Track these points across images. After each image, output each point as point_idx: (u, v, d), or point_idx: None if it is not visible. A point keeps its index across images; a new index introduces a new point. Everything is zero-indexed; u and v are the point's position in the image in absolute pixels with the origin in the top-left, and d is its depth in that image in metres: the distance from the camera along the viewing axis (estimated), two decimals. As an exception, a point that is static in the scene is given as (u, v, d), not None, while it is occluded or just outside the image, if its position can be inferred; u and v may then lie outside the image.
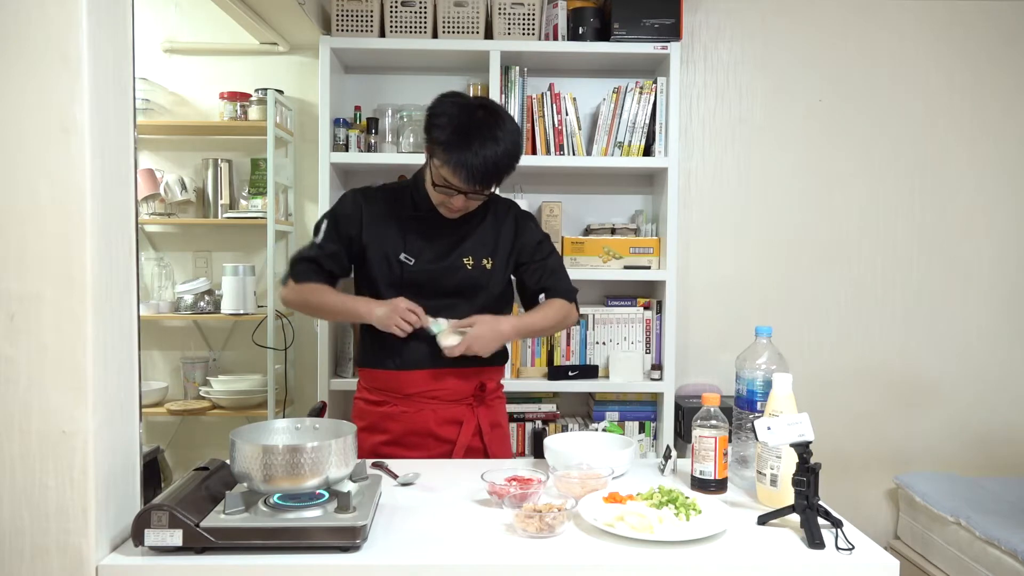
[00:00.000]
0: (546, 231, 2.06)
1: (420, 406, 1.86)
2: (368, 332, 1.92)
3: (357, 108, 2.87)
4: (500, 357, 1.94)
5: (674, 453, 1.65)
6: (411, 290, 1.83)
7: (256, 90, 2.91)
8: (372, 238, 1.86)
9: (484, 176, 1.70)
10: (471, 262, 1.86)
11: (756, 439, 1.37)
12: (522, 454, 2.83)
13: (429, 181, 1.79)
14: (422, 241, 1.86)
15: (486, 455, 1.88)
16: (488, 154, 1.68)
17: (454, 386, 1.86)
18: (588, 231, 2.93)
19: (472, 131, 1.69)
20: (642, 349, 2.90)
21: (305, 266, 1.88)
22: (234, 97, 2.91)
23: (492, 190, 1.79)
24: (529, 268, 1.93)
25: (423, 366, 1.85)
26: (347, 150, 2.78)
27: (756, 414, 1.51)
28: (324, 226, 1.89)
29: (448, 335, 1.78)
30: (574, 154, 2.81)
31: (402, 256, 1.84)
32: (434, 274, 1.83)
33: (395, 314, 1.76)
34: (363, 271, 1.90)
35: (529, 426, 2.87)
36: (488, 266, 1.87)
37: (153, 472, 2.74)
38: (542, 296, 1.92)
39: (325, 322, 2.75)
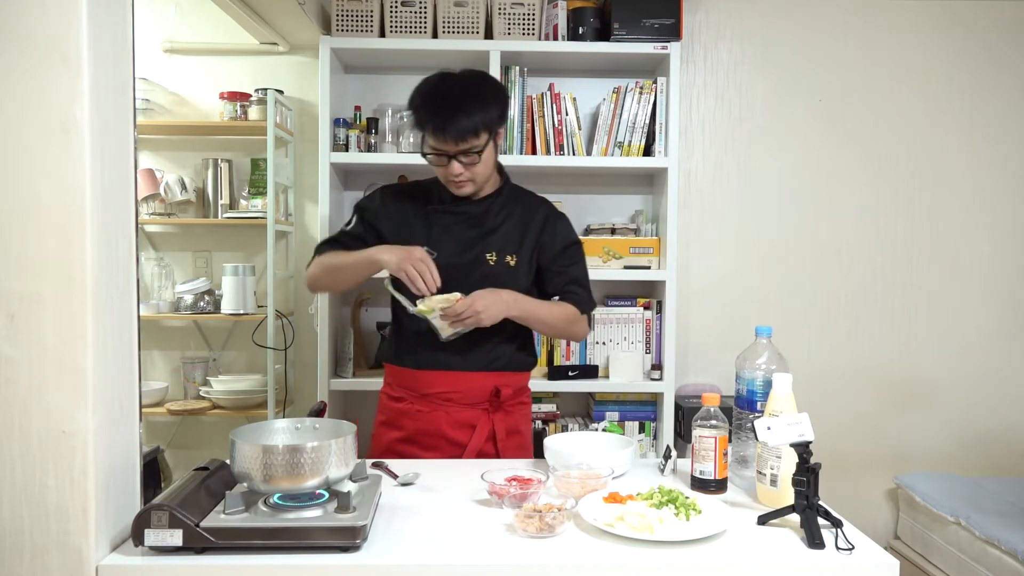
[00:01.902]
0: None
1: (435, 407, 1.86)
2: (394, 327, 1.93)
3: (357, 108, 2.87)
4: (524, 362, 1.93)
5: (674, 453, 1.65)
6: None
7: (256, 90, 2.91)
8: (396, 233, 1.87)
9: (458, 129, 1.70)
10: (494, 258, 1.84)
11: (756, 439, 1.37)
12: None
13: (423, 156, 1.82)
14: (446, 235, 1.85)
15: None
16: (459, 106, 1.70)
17: (469, 389, 1.85)
18: (588, 231, 2.93)
19: (442, 90, 1.74)
20: (642, 349, 2.90)
21: (328, 245, 1.92)
22: (234, 97, 2.91)
23: (481, 149, 1.75)
24: (550, 272, 1.90)
25: (440, 367, 1.84)
26: (347, 150, 2.78)
27: (756, 414, 1.51)
28: (353, 218, 1.93)
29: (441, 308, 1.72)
30: (574, 154, 2.81)
31: (425, 249, 1.82)
32: (456, 268, 1.82)
33: (408, 261, 1.72)
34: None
35: (529, 426, 2.87)
36: (512, 263, 1.85)
37: (153, 472, 2.74)
38: (555, 299, 1.89)
39: (325, 322, 2.75)
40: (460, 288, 1.77)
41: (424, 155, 1.80)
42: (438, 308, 1.72)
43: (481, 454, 1.85)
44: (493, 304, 1.74)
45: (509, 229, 1.88)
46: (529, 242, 1.88)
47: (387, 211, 1.90)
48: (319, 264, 1.89)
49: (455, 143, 1.72)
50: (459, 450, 1.85)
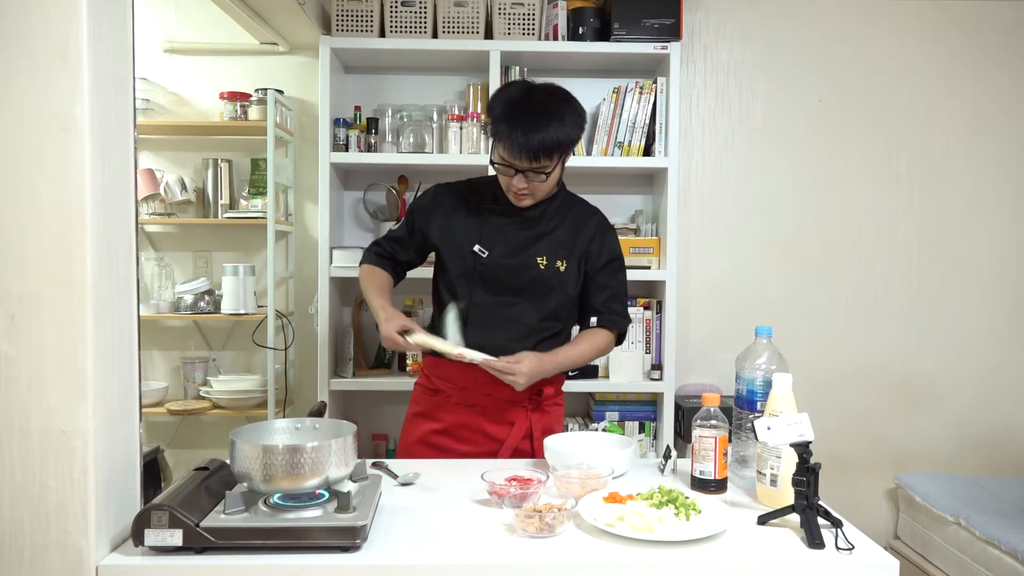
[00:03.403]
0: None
1: (475, 401, 1.86)
2: (435, 319, 1.94)
3: (357, 108, 2.87)
4: None
5: (674, 453, 1.65)
6: (481, 283, 1.83)
7: (256, 90, 2.91)
8: (446, 232, 1.88)
9: (531, 148, 1.68)
10: (544, 262, 1.84)
11: (756, 439, 1.37)
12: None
13: (491, 164, 1.79)
14: (498, 235, 1.85)
15: (532, 458, 1.86)
16: (539, 127, 1.68)
17: (511, 387, 1.84)
18: (588, 231, 2.93)
19: (525, 105, 1.71)
20: (642, 349, 2.90)
21: (373, 249, 1.98)
22: (234, 97, 2.91)
23: (551, 170, 1.75)
24: (594, 284, 1.90)
25: None
26: (347, 150, 2.78)
27: (756, 414, 1.51)
28: (405, 216, 1.97)
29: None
30: (574, 154, 2.80)
31: (476, 248, 1.83)
32: (505, 269, 1.83)
33: (386, 342, 1.76)
34: (439, 263, 1.93)
35: (529, 426, 2.87)
36: (561, 268, 1.85)
37: (153, 472, 2.74)
38: (594, 320, 1.89)
39: (325, 322, 2.75)
40: (508, 289, 1.82)
41: (492, 163, 1.78)
42: (470, 360, 1.69)
43: (517, 452, 1.86)
44: (534, 377, 1.74)
45: (561, 235, 1.87)
46: (579, 249, 1.88)
47: (437, 207, 1.90)
48: (361, 274, 1.95)
49: (527, 161, 1.70)
50: (496, 445, 1.86)
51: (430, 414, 1.91)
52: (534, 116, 1.69)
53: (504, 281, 1.83)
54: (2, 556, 1.18)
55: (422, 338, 1.72)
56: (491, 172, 1.85)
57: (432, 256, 1.98)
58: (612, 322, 1.90)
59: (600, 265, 1.89)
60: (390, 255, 1.95)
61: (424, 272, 2.03)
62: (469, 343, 1.81)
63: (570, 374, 2.81)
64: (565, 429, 2.83)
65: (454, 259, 1.86)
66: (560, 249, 1.86)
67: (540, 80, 2.87)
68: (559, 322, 1.89)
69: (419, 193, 2.00)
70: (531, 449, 1.87)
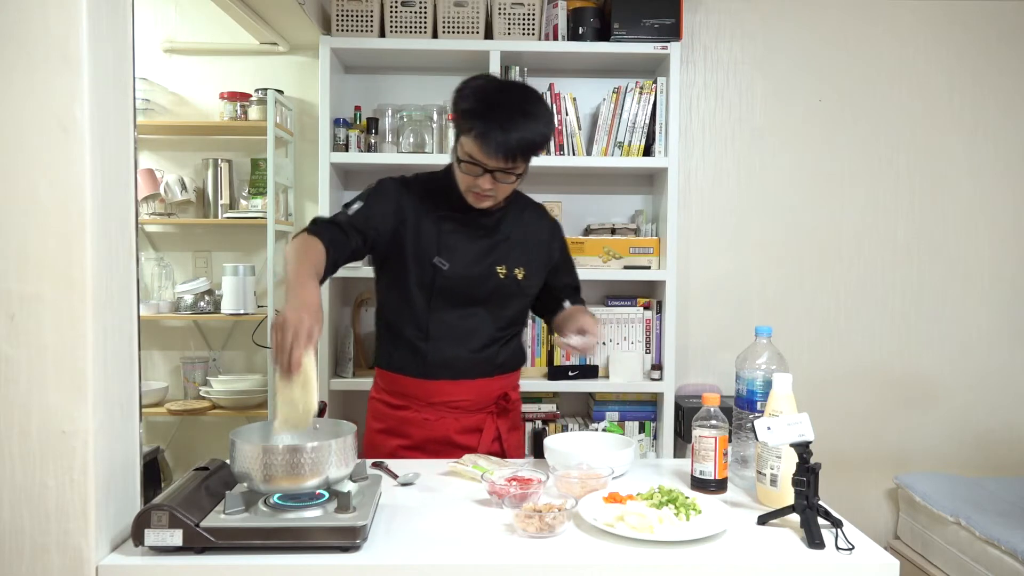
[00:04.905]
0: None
1: (442, 414, 1.83)
2: (387, 332, 1.86)
3: (357, 108, 2.88)
4: (521, 360, 1.94)
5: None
6: (440, 295, 1.76)
7: (256, 90, 2.91)
8: (409, 237, 1.76)
9: (510, 147, 1.59)
10: (504, 271, 1.81)
11: (756, 439, 1.37)
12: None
13: (455, 160, 1.69)
14: (457, 244, 1.77)
15: (504, 458, 1.86)
16: (517, 125, 1.59)
17: (478, 396, 1.84)
18: (588, 231, 2.93)
19: (500, 101, 1.62)
20: (642, 349, 2.90)
21: (326, 225, 1.69)
22: (234, 97, 2.91)
23: (521, 172, 1.68)
24: (559, 284, 1.98)
25: (447, 376, 1.80)
26: (347, 150, 2.78)
27: (756, 414, 1.51)
28: (357, 205, 1.74)
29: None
30: (574, 154, 2.81)
31: (436, 260, 1.75)
32: (467, 281, 1.77)
33: (285, 327, 1.36)
34: (392, 267, 1.79)
35: (529, 426, 2.87)
36: (519, 276, 1.82)
37: (153, 472, 2.75)
38: (567, 303, 1.94)
39: (325, 322, 2.74)
40: (468, 300, 1.79)
41: (459, 161, 1.67)
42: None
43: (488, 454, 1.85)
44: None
45: (517, 242, 1.85)
46: (537, 256, 1.88)
47: (399, 208, 1.78)
48: (296, 241, 1.63)
49: (501, 161, 1.62)
50: (466, 453, 1.85)
51: (396, 430, 1.85)
52: (511, 113, 1.61)
53: (464, 293, 1.78)
54: (2, 556, 1.18)
55: (308, 364, 1.34)
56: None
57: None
58: (580, 298, 2.03)
59: (559, 266, 1.97)
60: (342, 242, 1.68)
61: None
62: (429, 358, 1.78)
63: (570, 374, 2.83)
64: (564, 429, 2.86)
65: (413, 267, 1.76)
66: (519, 257, 1.84)
67: (539, 80, 2.91)
68: (516, 326, 1.90)
69: (375, 184, 1.81)
70: (501, 450, 1.87)
